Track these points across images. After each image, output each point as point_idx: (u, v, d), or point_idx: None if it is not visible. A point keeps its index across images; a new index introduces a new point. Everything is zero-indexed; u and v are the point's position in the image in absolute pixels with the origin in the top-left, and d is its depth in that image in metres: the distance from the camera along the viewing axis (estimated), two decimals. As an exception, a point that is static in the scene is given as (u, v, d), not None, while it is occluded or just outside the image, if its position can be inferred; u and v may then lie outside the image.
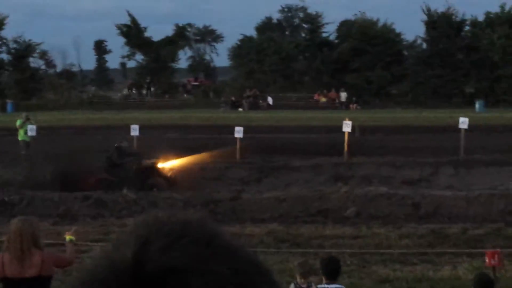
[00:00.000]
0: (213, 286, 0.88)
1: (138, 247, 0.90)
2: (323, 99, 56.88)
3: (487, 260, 8.66)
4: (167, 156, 18.70)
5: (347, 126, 22.71)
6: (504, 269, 10.19)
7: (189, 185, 17.40)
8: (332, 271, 7.32)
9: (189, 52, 75.69)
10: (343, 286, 7.39)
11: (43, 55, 63.56)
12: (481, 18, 60.05)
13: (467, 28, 61.65)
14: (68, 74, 66.38)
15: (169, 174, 18.30)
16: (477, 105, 49.41)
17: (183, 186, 17.49)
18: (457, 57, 59.24)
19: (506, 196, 15.33)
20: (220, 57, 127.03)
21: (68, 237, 7.25)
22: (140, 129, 23.35)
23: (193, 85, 66.30)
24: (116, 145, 18.62)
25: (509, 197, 15.29)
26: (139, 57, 66.25)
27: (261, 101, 56.24)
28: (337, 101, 56.21)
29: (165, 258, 0.88)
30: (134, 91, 65.69)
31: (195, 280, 0.87)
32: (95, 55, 76.79)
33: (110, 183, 17.28)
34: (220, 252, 0.92)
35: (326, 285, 7.25)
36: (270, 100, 55.87)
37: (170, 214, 0.97)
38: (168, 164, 18.66)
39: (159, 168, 18.36)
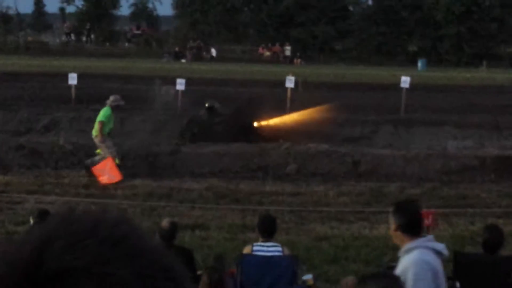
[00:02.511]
0: None
1: (38, 245, 0.86)
2: (267, 53, 56.63)
3: (422, 221, 8.73)
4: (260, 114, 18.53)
5: (290, 82, 22.62)
6: (438, 229, 10.34)
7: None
8: (267, 229, 7.29)
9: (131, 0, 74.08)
10: (279, 244, 7.36)
11: (-22, -4, 61.13)
12: (426, -24, 60.45)
13: (412, -14, 62.00)
14: (4, 18, 64.07)
15: (263, 130, 18.28)
16: (419, 64, 50.06)
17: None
18: (401, 14, 59.64)
19: (443, 156, 15.56)
20: (164, 5, 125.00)
21: None
22: (79, 77, 22.69)
23: (135, 34, 64.98)
24: (207, 105, 18.11)
25: (446, 157, 15.53)
26: (79, 2, 64.49)
27: (204, 53, 55.65)
28: (281, 55, 56.04)
29: (65, 258, 0.83)
30: (72, 38, 63.95)
31: (91, 283, 0.83)
32: (33, -2, 74.38)
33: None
34: (126, 255, 0.85)
35: (262, 243, 7.23)
36: (213, 52, 55.32)
37: (85, 211, 0.91)
38: (263, 122, 18.63)
39: (255, 126, 18.33)
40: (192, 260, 7.23)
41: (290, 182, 13.97)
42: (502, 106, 24.85)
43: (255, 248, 7.21)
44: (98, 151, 14.28)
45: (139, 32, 65.35)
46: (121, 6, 66.72)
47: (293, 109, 21.36)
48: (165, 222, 7.49)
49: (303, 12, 59.16)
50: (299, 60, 53.76)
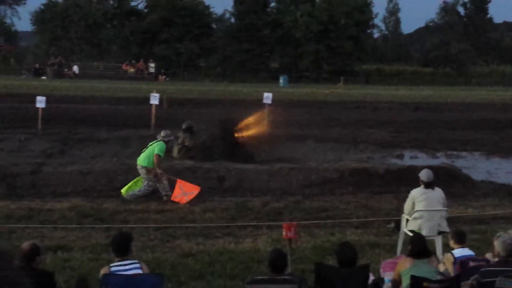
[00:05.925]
0: None
1: None
2: (132, 70, 56.07)
3: (284, 233, 9.01)
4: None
5: (154, 99, 22.57)
6: (300, 241, 10.69)
7: None
8: (120, 248, 7.06)
9: (-13, 14, 70.97)
10: (136, 261, 7.19)
11: None
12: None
13: (272, 4, 63.78)
14: None
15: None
16: (281, 80, 51.45)
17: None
18: (263, 32, 61.11)
19: (304, 170, 16.07)
20: (23, 21, 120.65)
21: None
22: None
23: (-8, 49, 62.25)
24: (184, 127, 17.60)
25: (307, 170, 16.05)
26: None
27: (66, 69, 54.24)
28: (145, 72, 55.68)
29: None
30: None
31: None
32: None
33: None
34: None
35: (118, 263, 7.00)
36: (76, 68, 54.04)
37: None
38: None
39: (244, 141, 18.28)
40: (54, 284, 7.03)
41: (155, 200, 13.91)
42: (358, 120, 26.09)
43: (112, 269, 7.00)
44: (134, 181, 13.98)
45: (-5, 48, 62.69)
46: (-25, 21, 63.72)
47: (158, 125, 21.32)
48: (25, 245, 7.23)
49: (167, 29, 59.20)
50: (163, 77, 53.66)
